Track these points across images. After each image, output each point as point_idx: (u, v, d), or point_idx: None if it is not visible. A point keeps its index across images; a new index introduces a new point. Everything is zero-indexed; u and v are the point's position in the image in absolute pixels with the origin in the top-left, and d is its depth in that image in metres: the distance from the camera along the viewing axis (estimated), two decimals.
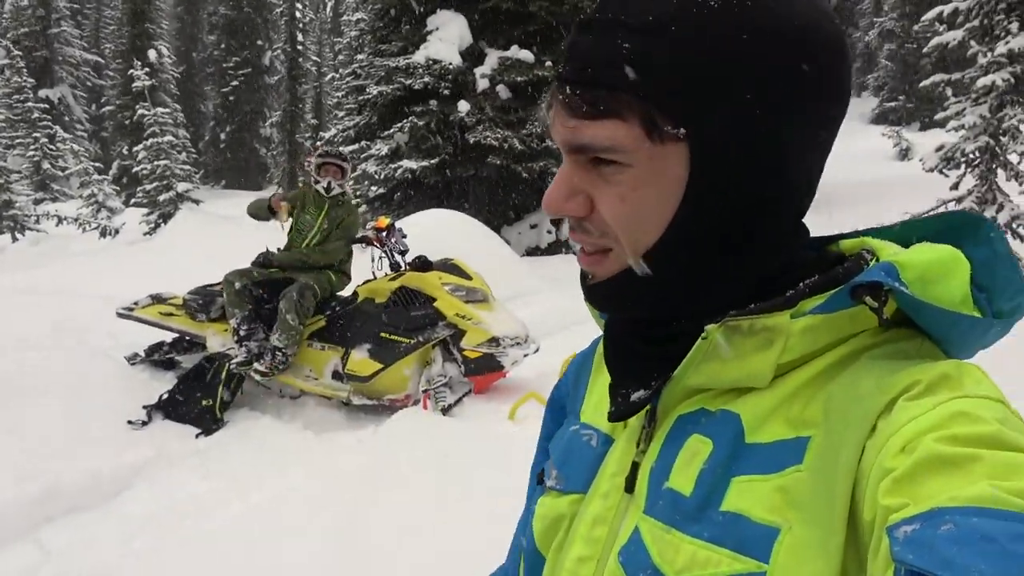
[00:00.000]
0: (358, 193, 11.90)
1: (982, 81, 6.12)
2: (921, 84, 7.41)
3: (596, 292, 0.56)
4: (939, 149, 6.49)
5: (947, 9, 6.59)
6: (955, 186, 6.58)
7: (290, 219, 4.72)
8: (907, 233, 0.55)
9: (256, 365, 4.37)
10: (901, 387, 0.44)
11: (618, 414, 0.57)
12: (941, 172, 6.52)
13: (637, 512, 0.54)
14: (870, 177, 12.45)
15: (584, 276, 0.58)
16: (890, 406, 0.44)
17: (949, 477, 0.38)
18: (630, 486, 0.56)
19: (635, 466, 0.56)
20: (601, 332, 0.65)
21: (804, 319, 0.50)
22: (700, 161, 0.49)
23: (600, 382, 0.67)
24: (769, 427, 0.50)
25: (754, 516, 0.47)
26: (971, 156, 6.40)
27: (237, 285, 4.44)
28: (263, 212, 4.68)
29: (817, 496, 0.45)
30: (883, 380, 0.46)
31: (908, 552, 0.36)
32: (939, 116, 7.02)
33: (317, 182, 4.64)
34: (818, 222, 0.74)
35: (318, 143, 15.70)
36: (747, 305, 0.51)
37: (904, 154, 15.46)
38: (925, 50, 7.05)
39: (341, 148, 4.76)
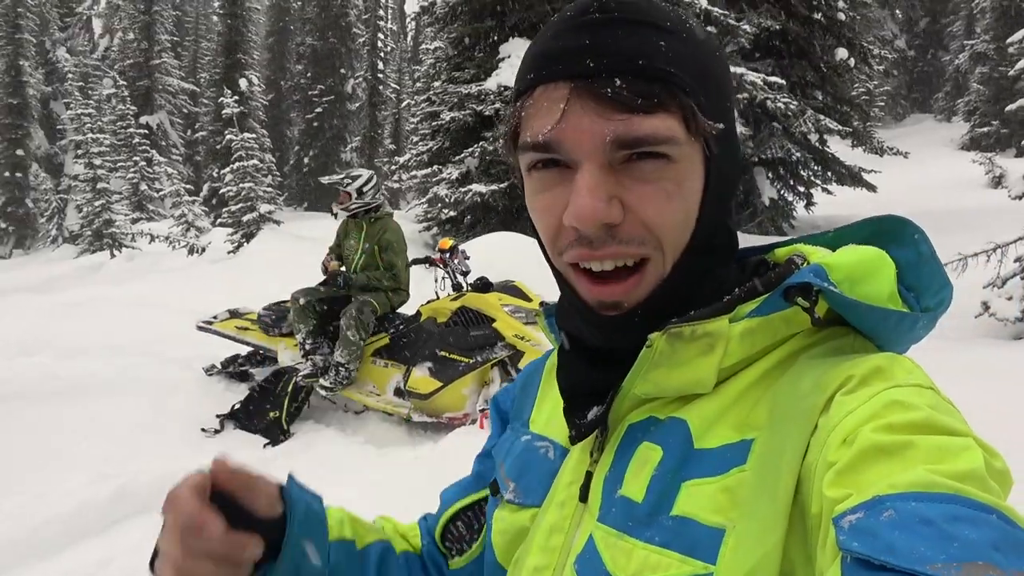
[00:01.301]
0: (429, 215, 12.16)
1: None
2: (1008, 108, 7.05)
3: (631, 322, 0.53)
4: None
5: None
6: None
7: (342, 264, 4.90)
8: (838, 239, 0.57)
9: (321, 380, 4.52)
10: (837, 383, 0.46)
11: (578, 436, 0.58)
12: None
13: (591, 520, 0.55)
14: (958, 205, 11.88)
15: (604, 309, 0.53)
16: (828, 403, 0.45)
17: (888, 464, 0.40)
18: (584, 495, 0.57)
19: (588, 475, 0.57)
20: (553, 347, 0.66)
21: (742, 323, 0.51)
22: (715, 160, 0.52)
23: (552, 394, 0.66)
24: (716, 432, 0.51)
25: (702, 519, 0.48)
26: None
27: (302, 301, 4.63)
28: (332, 280, 4.79)
29: (759, 494, 0.46)
30: (820, 378, 0.47)
31: (853, 540, 0.37)
32: None
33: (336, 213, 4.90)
34: None
35: (394, 167, 16.14)
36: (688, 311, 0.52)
37: (997, 181, 14.66)
38: (1011, 72, 6.73)
39: (354, 172, 4.91)
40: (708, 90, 0.51)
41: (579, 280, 0.53)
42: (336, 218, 4.89)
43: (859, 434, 0.41)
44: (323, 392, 4.59)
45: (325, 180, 5.26)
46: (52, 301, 8.31)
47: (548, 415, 0.67)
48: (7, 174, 25.36)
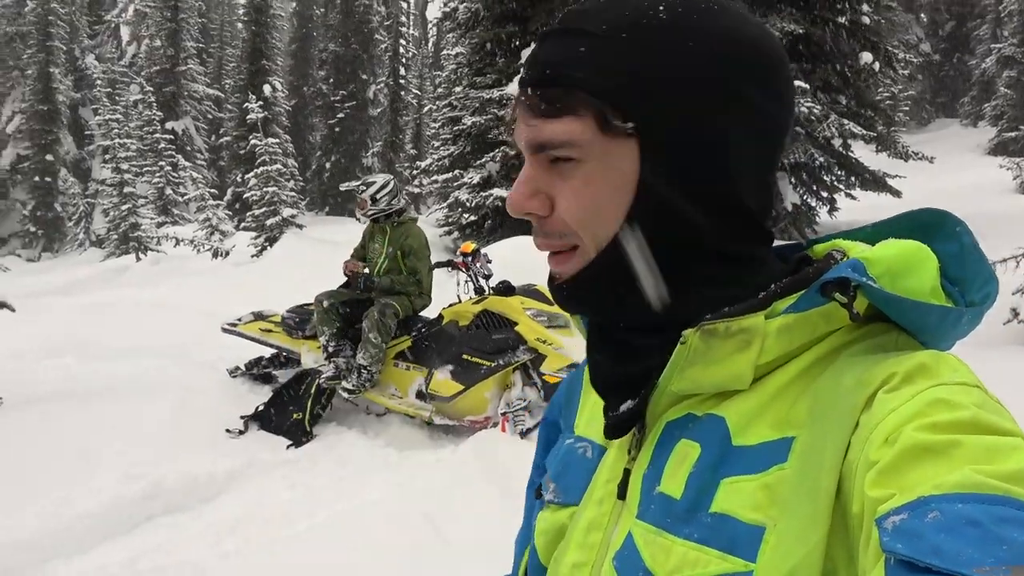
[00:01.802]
0: (450, 220, 12.21)
1: None
2: None
3: (562, 292, 0.58)
4: None
5: None
6: None
7: (366, 265, 4.91)
8: (877, 234, 0.56)
9: (344, 383, 4.55)
10: (880, 380, 0.45)
11: (612, 430, 0.58)
12: None
13: (630, 518, 0.55)
14: (985, 210, 11.71)
15: (552, 278, 0.59)
16: (870, 400, 0.45)
17: (932, 465, 0.39)
18: (622, 493, 0.57)
19: (627, 473, 0.58)
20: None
21: (779, 319, 0.51)
22: (649, 156, 0.52)
23: (592, 397, 0.67)
24: (755, 429, 0.50)
25: (742, 516, 0.48)
26: None
27: (325, 304, 4.67)
28: (353, 281, 4.81)
29: (800, 492, 0.46)
30: (862, 375, 0.46)
31: (897, 542, 0.36)
32: None
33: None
34: None
35: (415, 172, 16.24)
36: (718, 307, 0.52)
37: None
38: None
39: (369, 179, 4.94)
40: (633, 91, 0.51)
41: None
42: (361, 222, 4.93)
43: (902, 433, 0.41)
44: (346, 395, 4.62)
45: (343, 187, 5.35)
46: (79, 303, 8.46)
47: (589, 417, 0.68)
48: (36, 179, 25.84)
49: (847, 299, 0.48)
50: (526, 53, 11.03)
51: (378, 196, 4.76)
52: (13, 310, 5.59)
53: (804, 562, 0.44)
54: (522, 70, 0.57)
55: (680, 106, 0.51)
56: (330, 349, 4.64)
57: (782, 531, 0.45)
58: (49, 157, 25.94)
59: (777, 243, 0.60)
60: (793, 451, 0.48)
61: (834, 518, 0.43)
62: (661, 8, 0.52)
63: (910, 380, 0.44)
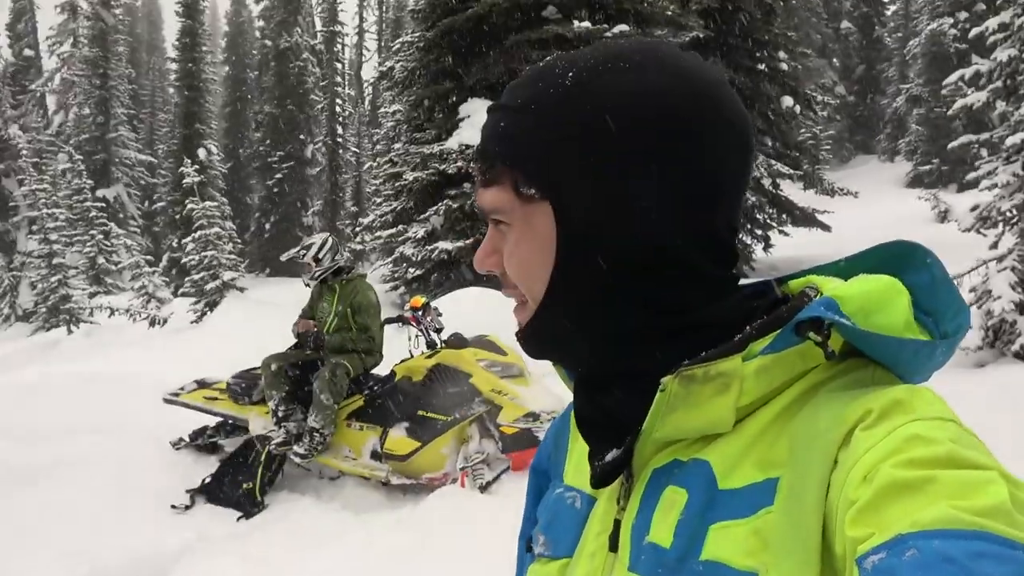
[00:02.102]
0: (396, 275, 12.14)
1: (1011, 140, 6.11)
2: (950, 146, 7.41)
3: (520, 337, 0.61)
4: (974, 209, 6.43)
5: (968, 72, 6.66)
6: (994, 245, 6.48)
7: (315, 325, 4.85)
8: (851, 268, 0.57)
9: (295, 448, 4.41)
10: (856, 417, 0.45)
11: (599, 480, 0.58)
12: (978, 232, 6.44)
13: (622, 570, 0.55)
14: (913, 239, 12.31)
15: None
16: (848, 437, 0.45)
17: (910, 501, 0.39)
18: (614, 544, 0.57)
19: (617, 524, 0.57)
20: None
21: (756, 361, 0.51)
22: (561, 218, 0.55)
23: (579, 445, 0.67)
24: (740, 471, 0.50)
25: (733, 563, 0.47)
26: (1008, 214, 6.32)
27: (273, 367, 4.55)
28: (303, 340, 4.77)
29: (789, 535, 0.45)
30: (839, 413, 0.46)
31: None
32: (971, 176, 6.98)
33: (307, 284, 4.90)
34: None
35: (357, 228, 16.17)
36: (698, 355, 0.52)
37: (943, 216, 15.25)
38: (950, 112, 7.09)
39: (307, 242, 4.91)
40: (547, 159, 0.54)
41: None
42: (309, 286, 4.87)
43: (879, 470, 0.41)
44: (298, 460, 4.47)
45: (284, 257, 5.25)
46: (6, 381, 8.01)
47: (576, 464, 0.67)
48: None
49: (821, 337, 0.49)
50: (464, 108, 11.23)
51: (320, 256, 4.72)
52: None
53: None
54: None
55: (578, 168, 0.54)
56: (280, 414, 4.50)
57: None
58: None
59: (751, 280, 0.61)
60: (779, 492, 0.48)
61: (823, 560, 0.43)
62: (571, 75, 0.55)
63: (886, 416, 0.44)
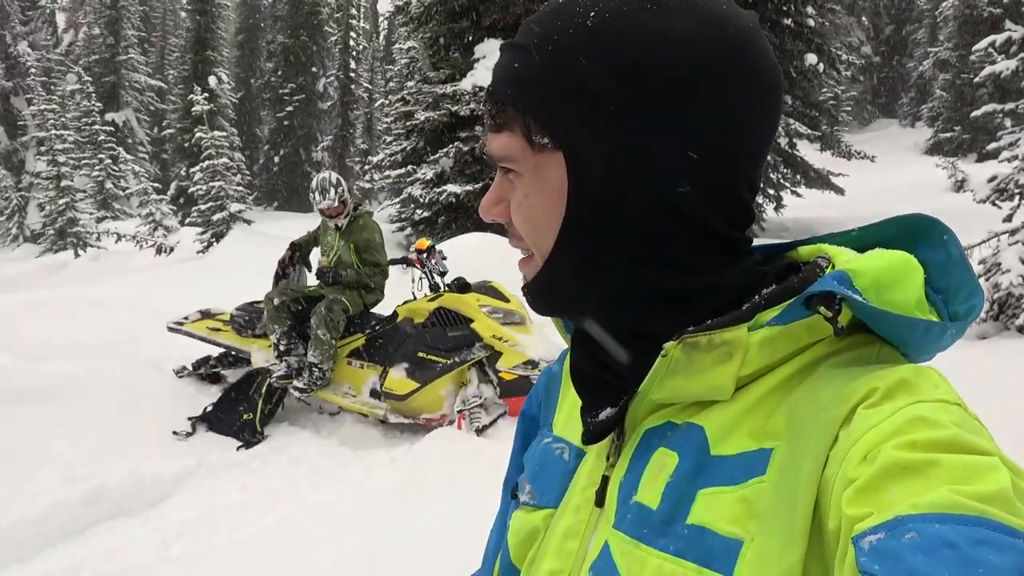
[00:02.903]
0: (403, 216, 12.09)
1: None
2: (973, 114, 7.25)
3: (526, 293, 0.59)
4: (991, 180, 6.32)
5: (1000, 39, 6.46)
6: (1008, 218, 6.39)
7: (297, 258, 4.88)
8: (864, 238, 0.55)
9: (295, 382, 4.46)
10: (860, 395, 0.44)
11: (590, 436, 0.58)
12: (993, 203, 6.35)
13: (607, 526, 0.54)
14: (922, 208, 12.17)
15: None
16: (850, 415, 0.44)
17: (910, 484, 0.38)
18: (600, 500, 0.57)
19: (605, 480, 0.57)
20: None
21: (761, 331, 0.50)
22: (574, 169, 0.52)
23: (571, 396, 0.66)
24: (733, 439, 0.50)
25: (718, 529, 0.47)
26: None
27: (276, 301, 4.57)
28: (321, 276, 4.71)
29: (778, 507, 0.45)
30: (842, 389, 0.46)
31: (874, 562, 0.36)
32: (992, 146, 6.85)
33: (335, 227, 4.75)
34: None
35: (366, 167, 16.04)
36: (704, 321, 0.51)
37: (959, 186, 15.05)
38: (977, 79, 6.90)
39: (323, 186, 4.70)
40: (561, 103, 0.51)
41: None
42: (337, 229, 4.74)
43: (881, 451, 0.40)
44: (297, 394, 4.53)
45: (323, 207, 4.86)
46: (13, 301, 8.09)
47: (567, 416, 0.67)
48: None
49: (832, 313, 0.47)
50: (480, 48, 11.01)
51: (344, 197, 4.66)
52: None
53: None
54: None
55: (597, 118, 0.50)
56: (281, 348, 4.54)
57: (760, 547, 0.45)
58: None
59: (761, 242, 0.59)
60: (772, 463, 0.47)
61: (811, 533, 0.43)
62: (593, 14, 0.50)
63: (891, 396, 0.44)
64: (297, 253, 4.99)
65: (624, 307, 0.55)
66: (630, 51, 0.49)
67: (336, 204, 4.59)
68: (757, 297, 0.52)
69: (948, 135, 22.44)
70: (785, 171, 12.80)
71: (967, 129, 20.98)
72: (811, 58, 12.21)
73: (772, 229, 12.61)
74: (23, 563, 2.93)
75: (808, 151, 13.34)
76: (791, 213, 13.43)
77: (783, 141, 11.88)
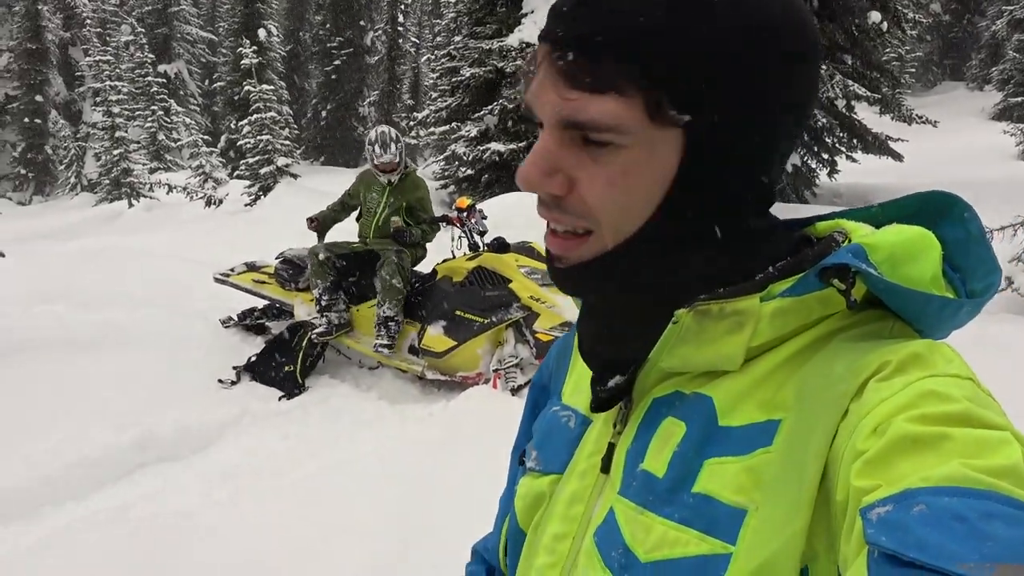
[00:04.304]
0: (447, 173, 12.08)
1: None
2: None
3: (567, 276, 0.54)
4: None
5: None
6: None
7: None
8: (883, 214, 0.55)
9: (377, 341, 4.47)
10: (872, 368, 0.44)
11: (599, 404, 0.58)
12: None
13: (612, 493, 0.55)
14: (986, 177, 11.65)
15: (551, 258, 0.55)
16: (861, 388, 0.44)
17: (920, 457, 0.38)
18: (606, 467, 0.57)
19: (611, 447, 0.57)
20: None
21: (774, 302, 0.50)
22: (695, 149, 0.48)
23: (580, 364, 0.66)
24: (742, 410, 0.50)
25: (723, 498, 0.47)
26: None
27: (321, 256, 4.63)
28: (398, 238, 4.73)
29: (784, 477, 0.45)
30: (854, 362, 0.45)
31: (881, 534, 0.36)
32: None
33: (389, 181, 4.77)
34: None
35: (412, 123, 16.01)
36: (716, 288, 0.51)
37: None
38: None
39: (383, 141, 4.70)
40: (701, 77, 0.45)
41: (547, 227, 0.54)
42: (389, 184, 4.80)
43: (892, 423, 0.40)
44: (386, 351, 4.52)
45: (384, 160, 4.82)
46: (70, 249, 8.38)
47: (575, 384, 0.67)
48: (26, 120, 25.39)
49: (846, 286, 0.47)
50: (528, 3, 10.80)
51: (401, 153, 4.70)
52: (3, 255, 5.54)
53: (784, 548, 0.43)
54: (550, 19, 0.49)
55: (737, 97, 0.47)
56: (323, 303, 4.62)
57: (764, 516, 0.45)
58: (39, 98, 25.42)
59: (784, 217, 0.58)
60: (779, 434, 0.47)
61: (817, 504, 0.43)
62: None
63: (903, 370, 0.43)
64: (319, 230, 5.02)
65: (673, 288, 0.52)
66: (757, 17, 0.46)
67: (396, 159, 4.61)
68: (771, 268, 0.52)
69: (1018, 99, 21.30)
70: (841, 135, 12.33)
71: None
72: (875, 16, 11.64)
73: (824, 195, 12.25)
74: (75, 502, 3.08)
75: (866, 114, 12.82)
76: (845, 179, 12.99)
77: (840, 103, 11.43)
